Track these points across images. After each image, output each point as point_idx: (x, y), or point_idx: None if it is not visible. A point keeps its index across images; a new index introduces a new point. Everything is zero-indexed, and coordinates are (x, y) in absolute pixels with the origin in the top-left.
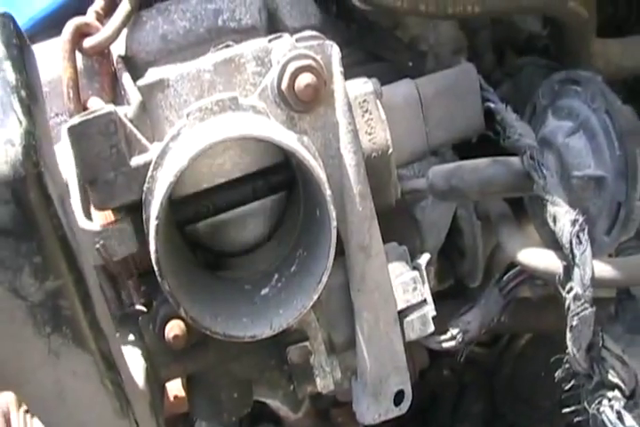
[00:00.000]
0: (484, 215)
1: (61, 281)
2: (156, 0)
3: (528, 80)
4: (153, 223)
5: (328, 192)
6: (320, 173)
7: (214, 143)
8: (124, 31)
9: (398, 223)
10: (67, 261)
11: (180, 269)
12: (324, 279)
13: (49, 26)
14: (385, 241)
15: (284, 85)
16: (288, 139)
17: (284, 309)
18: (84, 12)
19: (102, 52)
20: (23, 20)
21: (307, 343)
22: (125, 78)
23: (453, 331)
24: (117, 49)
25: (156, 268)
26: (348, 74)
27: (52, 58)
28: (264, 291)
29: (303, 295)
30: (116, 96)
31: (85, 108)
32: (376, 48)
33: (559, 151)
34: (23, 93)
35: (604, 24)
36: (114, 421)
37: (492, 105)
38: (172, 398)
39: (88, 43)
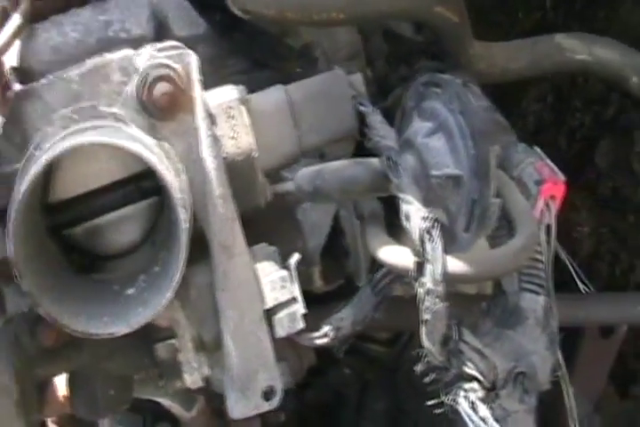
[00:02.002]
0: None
1: None
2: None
3: None
4: (10, 227)
5: (177, 195)
6: (167, 176)
7: (63, 152)
8: (18, 43)
9: (280, 225)
10: None
11: (48, 271)
12: (177, 279)
13: None
14: (267, 242)
15: (143, 94)
16: (137, 144)
17: (143, 307)
18: None
19: None
20: None
21: (174, 341)
22: (16, 89)
23: (326, 328)
24: (10, 60)
25: (15, 269)
26: (233, 82)
27: None
28: (130, 291)
29: (160, 295)
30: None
31: None
32: (262, 56)
33: (419, 151)
34: None
35: (533, 27)
36: None
37: (362, 108)
38: (61, 398)
39: None
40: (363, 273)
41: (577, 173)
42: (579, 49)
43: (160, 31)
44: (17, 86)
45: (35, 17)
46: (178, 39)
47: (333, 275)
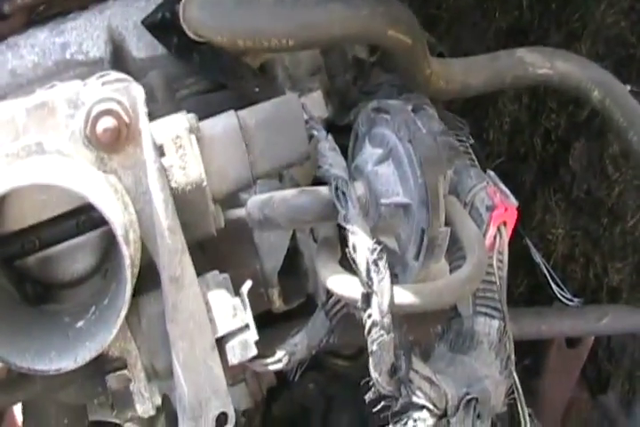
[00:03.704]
0: None
1: None
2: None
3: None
4: None
5: (119, 232)
6: (111, 214)
7: (4, 192)
8: None
9: (236, 248)
10: None
11: None
12: (123, 314)
13: None
14: (224, 267)
15: (88, 129)
16: (80, 183)
17: (89, 342)
18: None
19: None
20: None
21: (125, 371)
22: None
23: (280, 354)
24: None
25: None
26: (190, 104)
27: None
28: (79, 324)
29: (107, 329)
30: None
31: None
32: (220, 76)
33: (368, 179)
34: None
35: (510, 27)
36: None
37: (314, 133)
38: (19, 425)
39: None
40: (322, 293)
41: (552, 174)
42: (540, 63)
43: (117, 53)
44: None
45: None
46: (136, 61)
47: (293, 295)
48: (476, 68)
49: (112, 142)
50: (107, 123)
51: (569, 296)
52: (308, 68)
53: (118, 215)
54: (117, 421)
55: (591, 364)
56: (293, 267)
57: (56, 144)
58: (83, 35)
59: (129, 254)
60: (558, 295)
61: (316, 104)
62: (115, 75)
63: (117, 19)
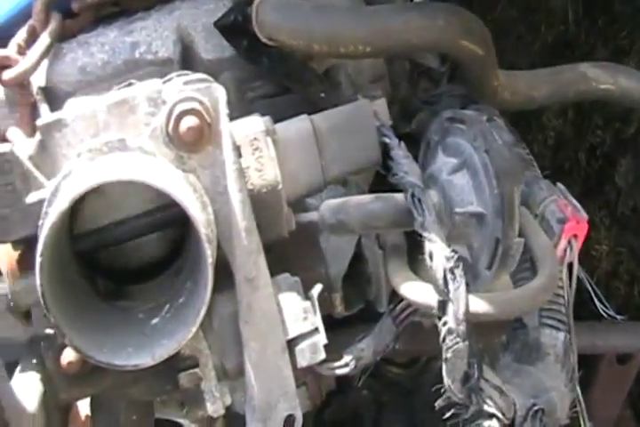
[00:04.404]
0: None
1: None
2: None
3: (445, 109)
4: (38, 260)
5: (203, 231)
6: (195, 212)
7: (89, 188)
8: (45, 62)
9: (303, 252)
10: None
11: (72, 299)
12: (202, 313)
13: None
14: (291, 270)
15: (170, 128)
16: (164, 180)
17: (167, 339)
18: None
19: (22, 83)
20: None
21: (197, 370)
22: (44, 109)
23: (347, 358)
24: (38, 80)
25: (41, 301)
26: (258, 107)
27: None
28: (154, 321)
29: (184, 327)
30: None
31: (4, 138)
32: (287, 81)
33: (443, 188)
34: None
35: (555, 41)
36: None
37: (386, 140)
38: (83, 418)
39: (7, 75)
40: (384, 299)
41: (597, 190)
42: (603, 78)
43: (186, 54)
44: (44, 107)
45: (62, 34)
46: (204, 62)
47: (354, 300)
48: (539, 81)
49: (194, 141)
50: (190, 122)
51: (612, 313)
52: (371, 75)
53: (201, 213)
54: (184, 420)
55: (635, 382)
56: (356, 272)
57: (138, 141)
58: (152, 35)
59: (211, 253)
60: (601, 312)
61: (380, 111)
62: (196, 75)
63: (186, 20)
